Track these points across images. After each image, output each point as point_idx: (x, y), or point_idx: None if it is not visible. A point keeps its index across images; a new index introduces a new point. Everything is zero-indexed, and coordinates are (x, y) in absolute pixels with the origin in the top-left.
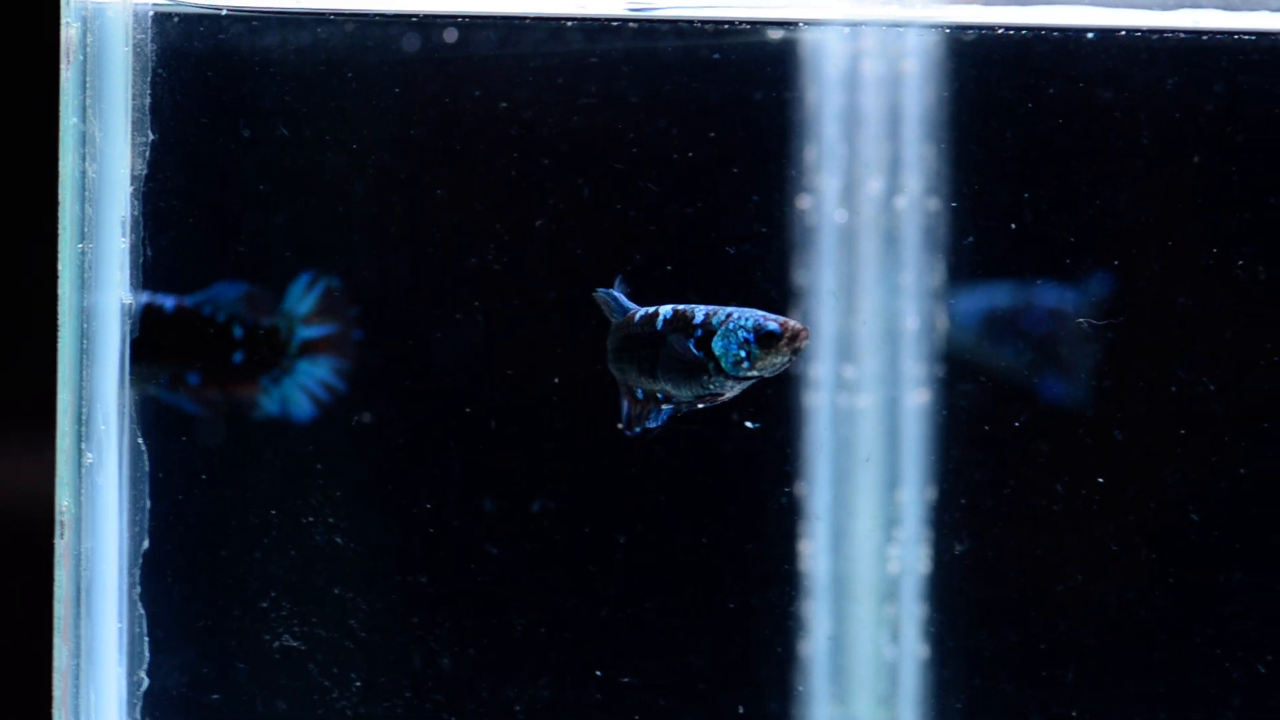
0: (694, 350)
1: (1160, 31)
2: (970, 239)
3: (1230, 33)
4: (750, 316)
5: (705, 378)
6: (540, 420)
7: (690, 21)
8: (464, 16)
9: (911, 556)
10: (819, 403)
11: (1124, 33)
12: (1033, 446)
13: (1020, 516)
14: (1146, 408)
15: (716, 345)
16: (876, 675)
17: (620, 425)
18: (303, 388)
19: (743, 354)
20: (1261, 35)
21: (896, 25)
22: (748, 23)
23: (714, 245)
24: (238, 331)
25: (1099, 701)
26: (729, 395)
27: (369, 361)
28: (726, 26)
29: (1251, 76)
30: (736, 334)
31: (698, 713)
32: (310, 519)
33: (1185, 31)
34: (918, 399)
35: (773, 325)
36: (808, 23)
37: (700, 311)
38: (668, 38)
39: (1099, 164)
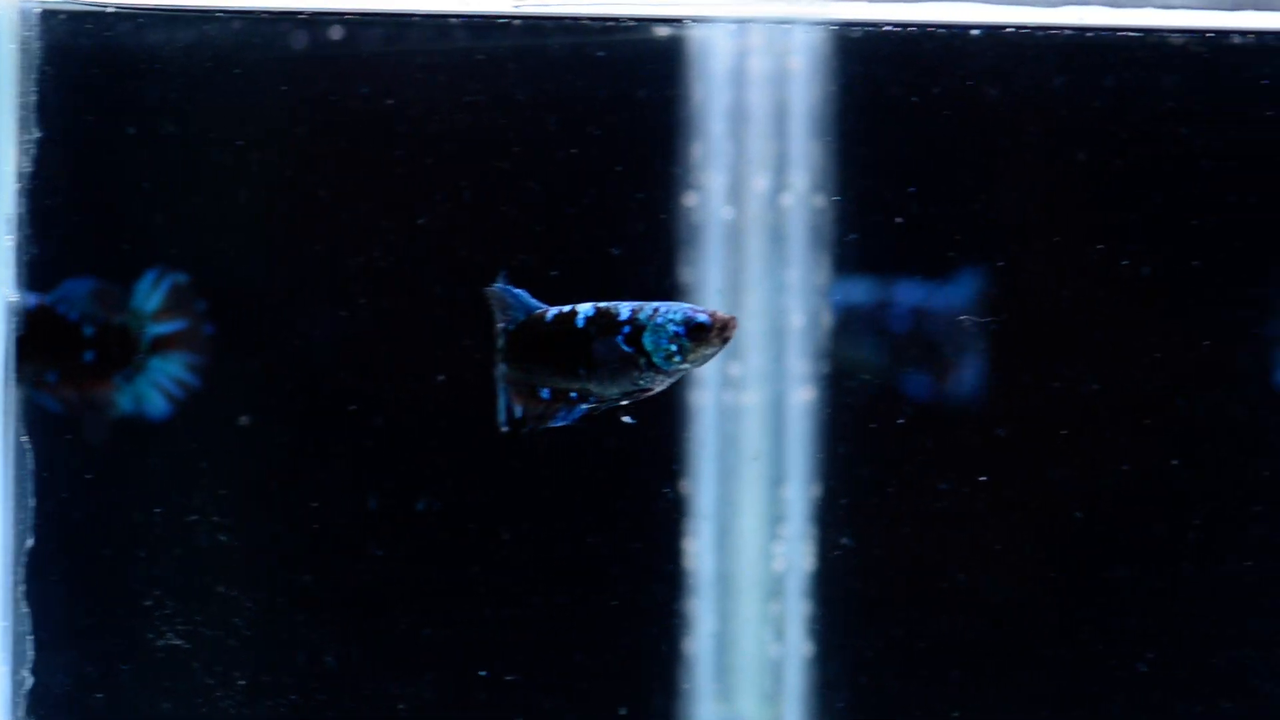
0: (624, 347)
1: (1046, 28)
2: (852, 235)
3: (1115, 30)
4: (678, 310)
5: (636, 374)
6: (424, 418)
7: (577, 18)
8: (351, 14)
9: (796, 553)
10: (704, 400)
11: (1011, 30)
12: (918, 443)
13: (905, 514)
14: (1031, 406)
15: (647, 341)
16: (761, 672)
17: (504, 426)
18: (156, 385)
19: (674, 348)
20: (1147, 32)
21: (783, 22)
22: (634, 20)
23: (599, 243)
24: (88, 330)
25: (983, 699)
26: (658, 389)
27: (256, 360)
28: (613, 23)
29: (1137, 73)
30: (666, 328)
31: (582, 711)
32: (194, 517)
33: (1071, 28)
34: (803, 396)
35: (702, 317)
36: (694, 19)
37: (625, 308)
38: (555, 35)
39: (985, 161)
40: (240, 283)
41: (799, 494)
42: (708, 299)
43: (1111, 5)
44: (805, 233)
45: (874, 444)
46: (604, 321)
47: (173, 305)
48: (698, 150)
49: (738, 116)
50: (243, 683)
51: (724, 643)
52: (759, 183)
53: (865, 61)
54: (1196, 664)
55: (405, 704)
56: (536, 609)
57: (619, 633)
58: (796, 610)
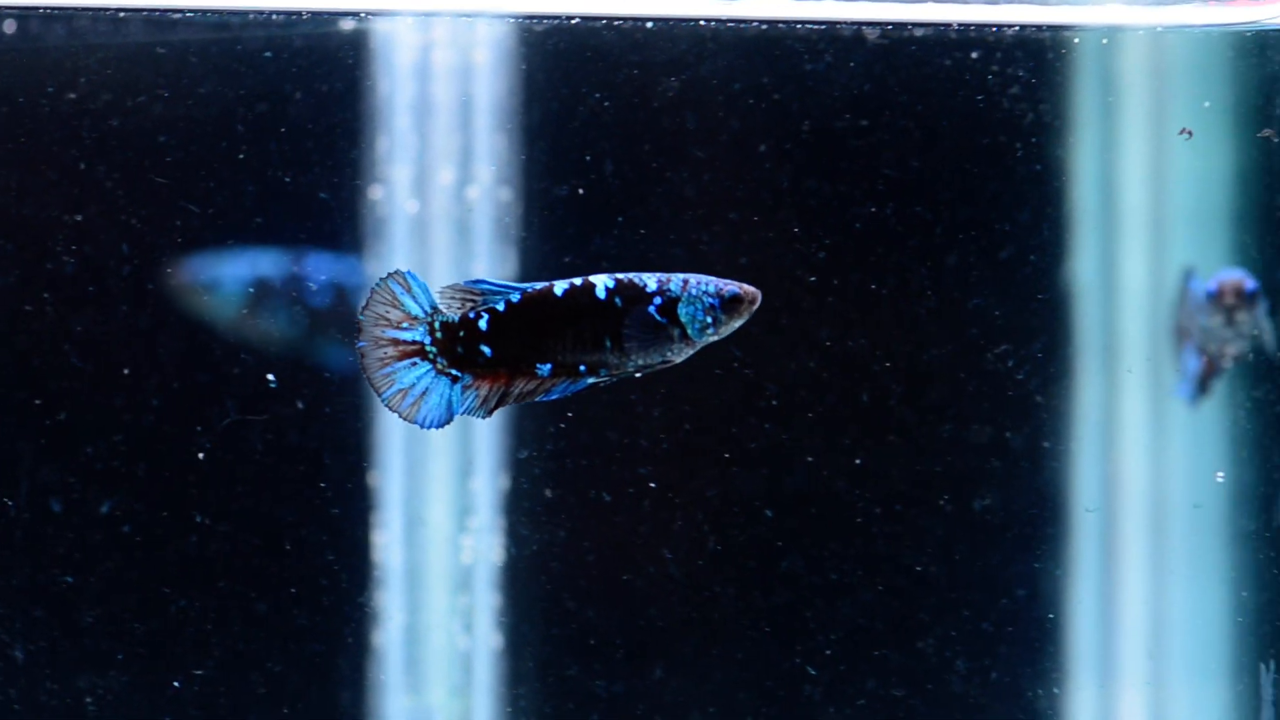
0: (658, 318)
1: (728, 20)
2: (508, 219)
3: (797, 21)
4: (709, 282)
5: (668, 345)
6: (109, 416)
7: (260, 11)
8: (37, 9)
9: (485, 546)
10: None
11: (698, 22)
12: (605, 435)
13: (593, 505)
14: (718, 397)
15: (683, 312)
16: (450, 665)
17: (478, 410)
18: None
19: (709, 320)
20: (829, 24)
21: (467, 15)
22: (318, 13)
23: (285, 237)
24: None
25: (671, 689)
26: (678, 361)
27: None
28: (297, 16)
29: (818, 64)
30: (702, 300)
31: (271, 704)
32: None
33: (754, 21)
34: None
35: (735, 289)
36: (371, 13)
37: (652, 279)
38: (239, 29)
39: (669, 151)
40: None
41: (487, 486)
42: None
43: None
44: (491, 225)
45: (562, 435)
46: (630, 293)
47: None
48: (383, 144)
49: (422, 110)
50: None
51: (413, 635)
52: (444, 176)
53: (549, 54)
54: (876, 656)
55: (93, 698)
56: (226, 603)
57: (308, 626)
58: (485, 603)
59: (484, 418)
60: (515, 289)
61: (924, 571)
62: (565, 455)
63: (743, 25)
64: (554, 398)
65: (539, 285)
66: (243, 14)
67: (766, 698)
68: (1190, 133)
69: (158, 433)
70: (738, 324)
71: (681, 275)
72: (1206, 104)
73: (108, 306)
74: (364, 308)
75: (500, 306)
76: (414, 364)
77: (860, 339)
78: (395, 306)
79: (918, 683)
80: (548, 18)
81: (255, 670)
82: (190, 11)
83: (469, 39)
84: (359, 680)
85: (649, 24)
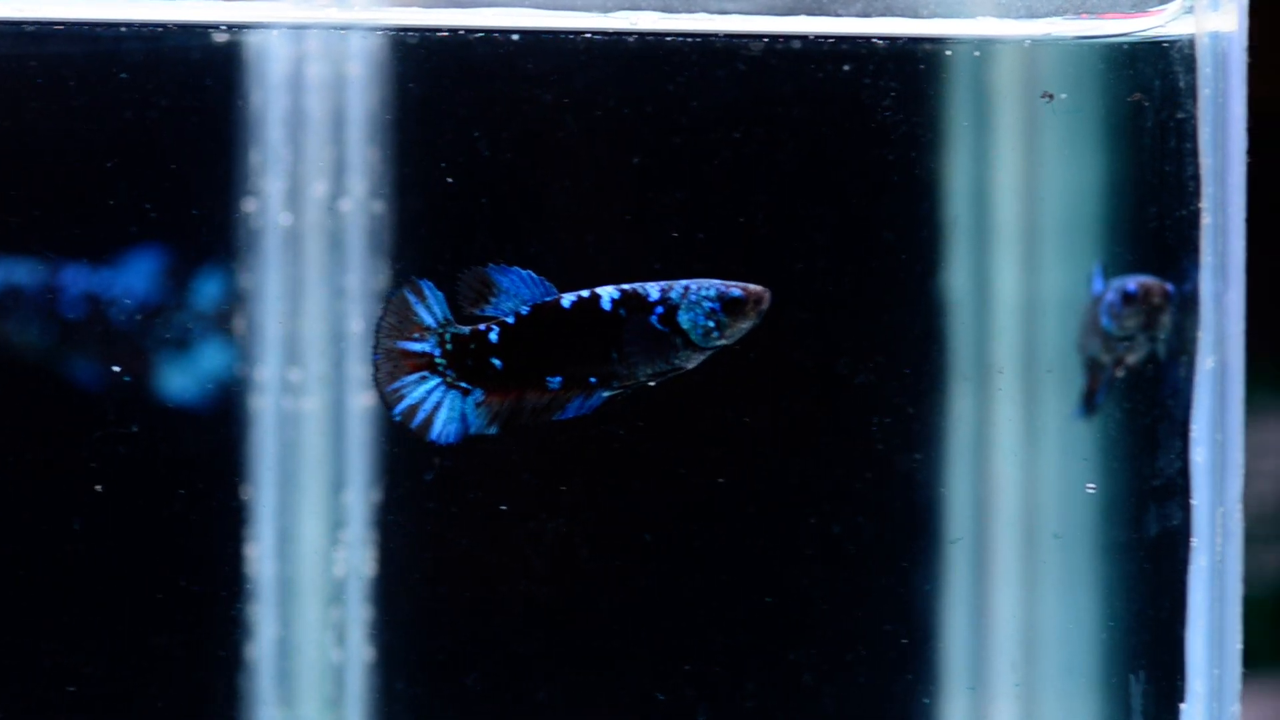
0: (660, 327)
1: (600, 33)
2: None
3: (667, 34)
4: (710, 285)
5: (673, 353)
6: None
7: (130, 24)
8: None
9: (357, 559)
10: (263, 405)
11: (572, 35)
12: (477, 447)
13: (467, 518)
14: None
15: (683, 319)
16: (322, 678)
17: (490, 425)
18: None
19: (711, 324)
20: (702, 37)
21: (340, 28)
22: (188, 25)
23: (160, 251)
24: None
25: (542, 703)
26: (690, 368)
27: None
28: (167, 29)
29: (690, 76)
30: (702, 305)
31: (141, 718)
32: None
33: (625, 33)
34: (362, 401)
35: (736, 291)
36: (234, 25)
37: (654, 288)
38: (110, 41)
39: (543, 163)
40: None
41: (359, 499)
42: (266, 305)
43: (664, 10)
44: (363, 238)
45: (433, 447)
46: (633, 303)
47: None
48: (255, 156)
49: (295, 122)
50: None
51: (285, 648)
52: (317, 188)
53: (421, 67)
54: (764, 671)
55: None
56: (97, 616)
57: (179, 638)
58: (358, 616)
59: (495, 434)
60: (529, 283)
61: (792, 587)
62: (440, 468)
63: (617, 38)
64: (569, 416)
65: (565, 296)
66: (113, 26)
67: (638, 712)
68: (1051, 96)
69: (23, 444)
70: (746, 326)
71: (684, 281)
72: (1064, 95)
73: None
74: (380, 317)
75: (510, 320)
76: (423, 378)
77: (729, 352)
78: (409, 317)
79: (784, 696)
80: (421, 30)
81: (125, 683)
82: (60, 24)
83: (341, 52)
84: (231, 693)
85: (514, 36)
